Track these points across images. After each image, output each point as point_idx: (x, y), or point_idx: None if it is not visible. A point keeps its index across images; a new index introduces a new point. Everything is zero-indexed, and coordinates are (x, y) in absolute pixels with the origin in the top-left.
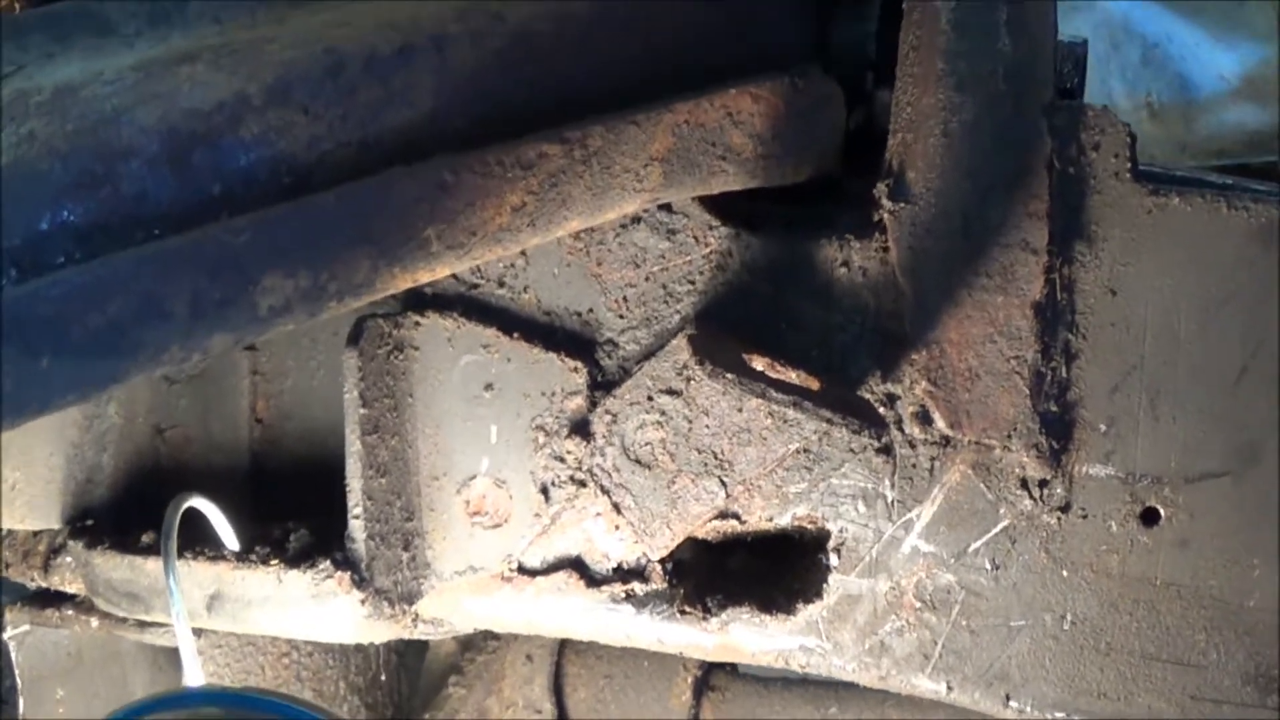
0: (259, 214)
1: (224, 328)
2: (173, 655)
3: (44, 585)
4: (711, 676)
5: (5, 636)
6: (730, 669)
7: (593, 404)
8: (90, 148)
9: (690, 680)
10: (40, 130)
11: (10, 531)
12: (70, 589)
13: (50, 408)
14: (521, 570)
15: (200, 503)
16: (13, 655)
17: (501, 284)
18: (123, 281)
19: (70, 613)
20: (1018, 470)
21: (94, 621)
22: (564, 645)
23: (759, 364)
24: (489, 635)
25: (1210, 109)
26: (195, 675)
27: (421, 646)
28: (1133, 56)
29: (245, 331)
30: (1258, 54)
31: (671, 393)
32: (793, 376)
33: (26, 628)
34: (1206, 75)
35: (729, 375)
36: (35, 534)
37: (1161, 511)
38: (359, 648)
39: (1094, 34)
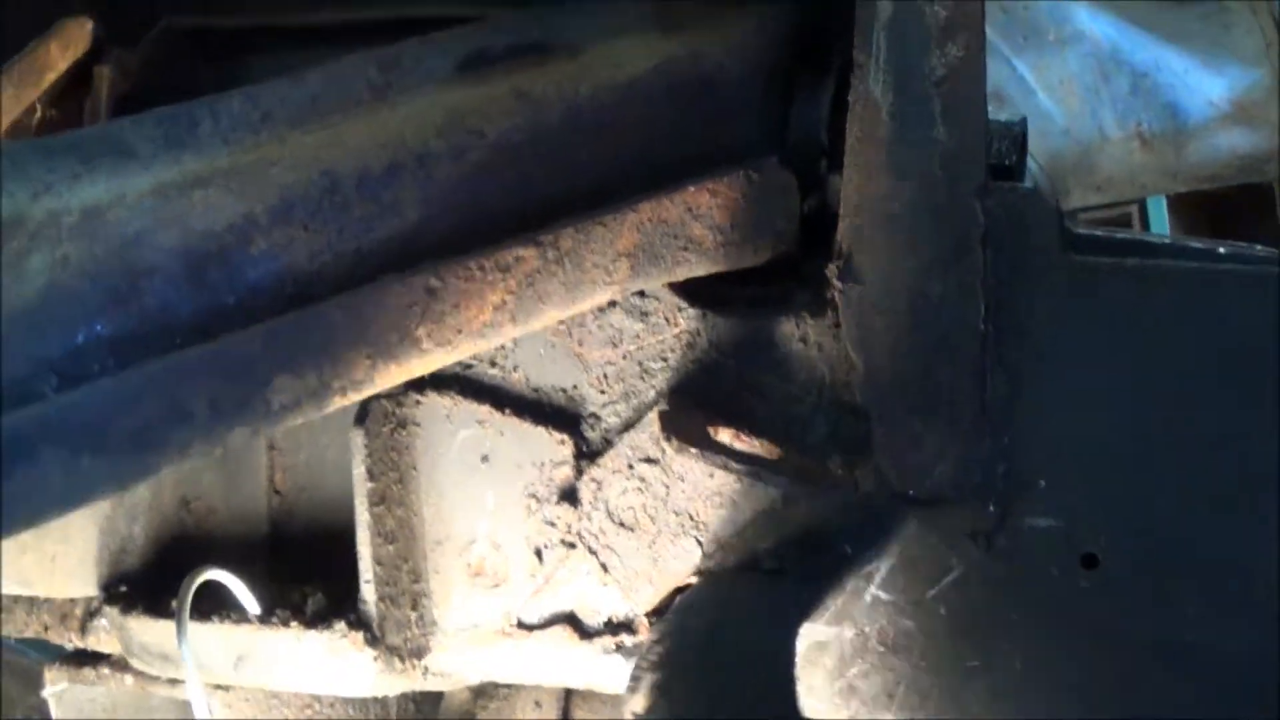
0: (269, 324)
1: (241, 424)
2: None
3: (81, 646)
4: None
5: (45, 694)
6: None
7: (579, 472)
8: (117, 268)
9: None
10: (73, 253)
11: (49, 597)
12: (105, 649)
13: (91, 500)
14: (520, 625)
15: (219, 574)
16: (52, 711)
17: (494, 364)
18: (151, 389)
19: (106, 671)
20: (966, 524)
21: (128, 679)
22: (570, 692)
23: (724, 435)
24: (499, 684)
25: (1201, 135)
26: None
27: (436, 695)
28: (1122, 87)
29: (259, 426)
30: (1246, 79)
31: (650, 461)
32: (756, 445)
33: (65, 685)
34: (1196, 102)
35: (693, 450)
36: (72, 599)
37: (1099, 557)
38: (378, 700)
39: (1083, 65)
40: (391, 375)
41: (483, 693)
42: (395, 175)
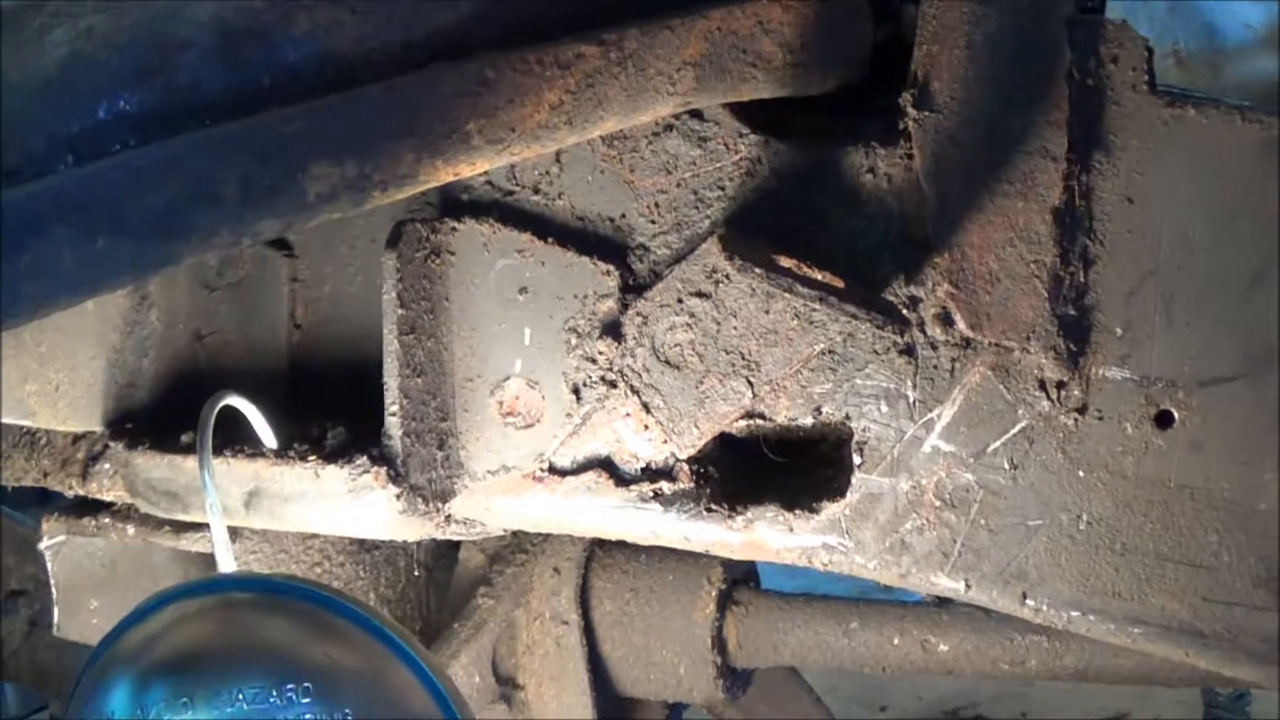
0: (308, 105)
1: (273, 213)
2: (204, 565)
3: (81, 493)
4: (735, 591)
5: (41, 546)
6: (753, 584)
7: (624, 306)
8: (146, 40)
9: (714, 594)
10: (98, 25)
11: (49, 439)
12: (107, 497)
13: (107, 287)
14: (552, 470)
15: (238, 401)
16: (48, 566)
17: (536, 190)
18: (177, 165)
19: (107, 521)
20: (1036, 372)
21: (130, 529)
22: (590, 559)
23: (786, 263)
24: (517, 549)
25: (1237, 58)
26: (227, 563)
27: (450, 562)
28: (1160, 5)
29: (293, 218)
30: None
31: (701, 295)
32: (819, 277)
33: (63, 537)
34: (1233, 25)
35: (758, 270)
36: (74, 441)
37: (1175, 414)
38: (389, 560)
39: None
40: (437, 172)
41: (499, 557)
42: None
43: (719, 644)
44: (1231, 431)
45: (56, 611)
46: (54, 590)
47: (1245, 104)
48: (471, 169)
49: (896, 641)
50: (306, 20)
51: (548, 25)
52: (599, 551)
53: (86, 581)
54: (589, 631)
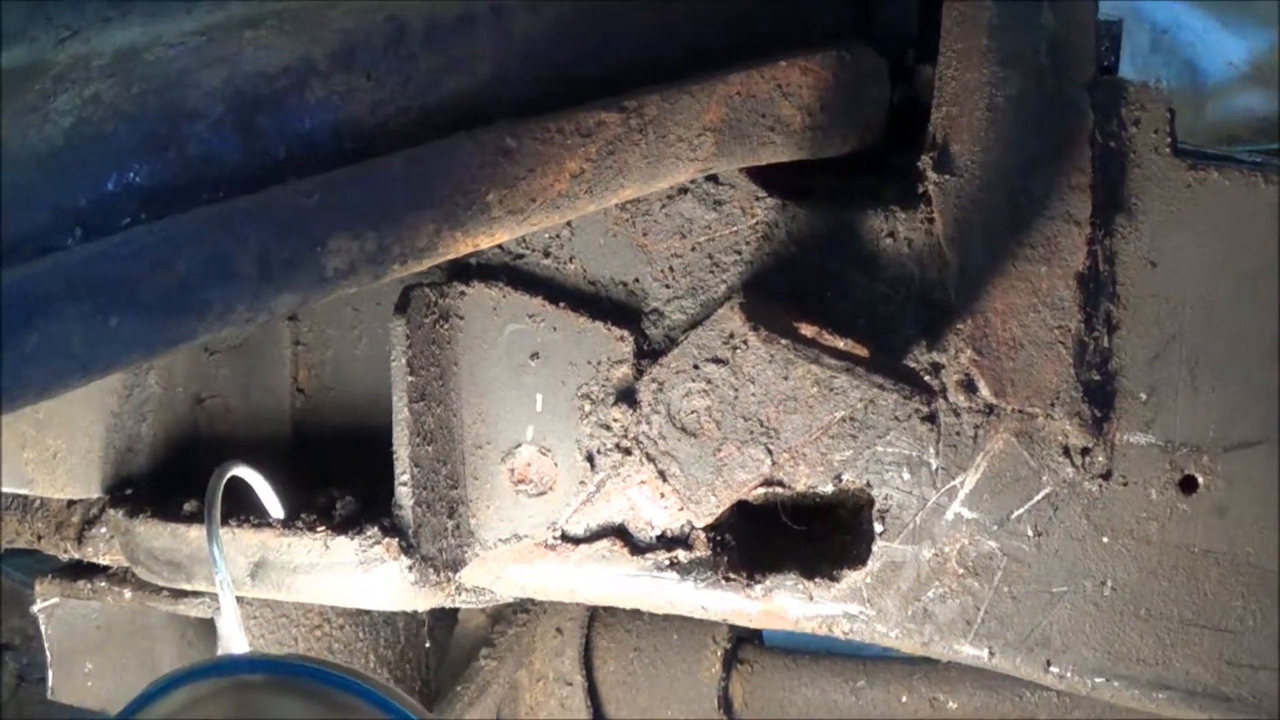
0: (326, 176)
1: (291, 288)
2: (201, 628)
3: (76, 557)
4: (741, 650)
5: (35, 610)
6: (759, 643)
7: (639, 372)
8: (156, 110)
9: (720, 653)
10: (105, 93)
11: (44, 503)
12: (103, 560)
13: (119, 366)
14: (565, 538)
15: (245, 471)
16: (43, 628)
17: (547, 254)
18: (192, 240)
19: (103, 585)
20: (1060, 438)
21: (126, 593)
22: (593, 619)
23: (808, 331)
24: (519, 609)
25: (1219, 95)
26: (239, 643)
27: (450, 621)
28: (1142, 43)
29: (311, 293)
30: (1265, 41)
31: (718, 361)
32: (841, 344)
33: (56, 600)
34: (1215, 62)
35: (783, 341)
36: (69, 505)
37: (1200, 479)
38: (388, 621)
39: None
40: (456, 244)
41: (501, 617)
42: (468, 27)
43: (725, 703)
44: (1256, 496)
45: (51, 675)
46: (49, 654)
47: (1267, 164)
48: (490, 240)
49: (905, 699)
50: (321, 87)
51: (568, 89)
52: (602, 611)
53: (81, 645)
54: (593, 693)
